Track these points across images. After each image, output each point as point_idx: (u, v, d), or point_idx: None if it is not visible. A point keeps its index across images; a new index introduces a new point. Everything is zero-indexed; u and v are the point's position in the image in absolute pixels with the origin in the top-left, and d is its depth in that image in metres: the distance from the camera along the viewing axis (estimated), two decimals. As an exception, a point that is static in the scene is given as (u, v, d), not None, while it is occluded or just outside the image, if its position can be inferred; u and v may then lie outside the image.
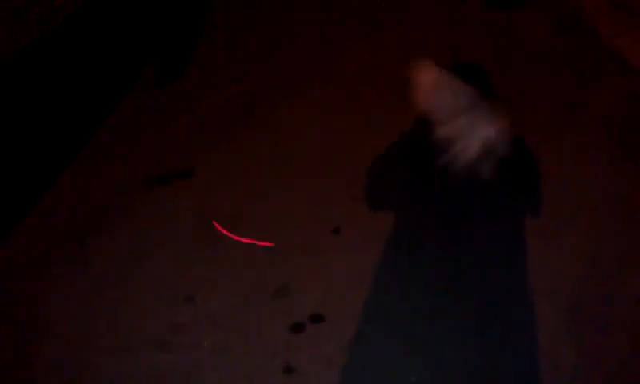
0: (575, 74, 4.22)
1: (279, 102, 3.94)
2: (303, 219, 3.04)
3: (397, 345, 2.41)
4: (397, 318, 2.52)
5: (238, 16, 5.04)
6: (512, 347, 2.40)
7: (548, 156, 2.94)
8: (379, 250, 2.83)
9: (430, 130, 2.98)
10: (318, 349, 2.41)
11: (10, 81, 3.77)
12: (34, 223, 3.06)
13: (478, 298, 2.59)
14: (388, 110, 3.79)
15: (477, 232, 2.78)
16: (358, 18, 4.95)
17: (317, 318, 2.53)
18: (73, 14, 4.53)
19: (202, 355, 2.39)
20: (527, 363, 2.35)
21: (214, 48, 4.51)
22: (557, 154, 3.24)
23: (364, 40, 4.66)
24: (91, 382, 2.39)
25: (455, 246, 2.77)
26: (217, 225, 2.86)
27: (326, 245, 2.89)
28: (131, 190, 3.25)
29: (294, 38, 4.70)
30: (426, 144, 2.88)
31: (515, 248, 2.79)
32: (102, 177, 3.35)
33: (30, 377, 2.43)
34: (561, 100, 3.91)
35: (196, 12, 5.01)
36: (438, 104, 2.87)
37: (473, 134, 2.78)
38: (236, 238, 2.86)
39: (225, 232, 2.85)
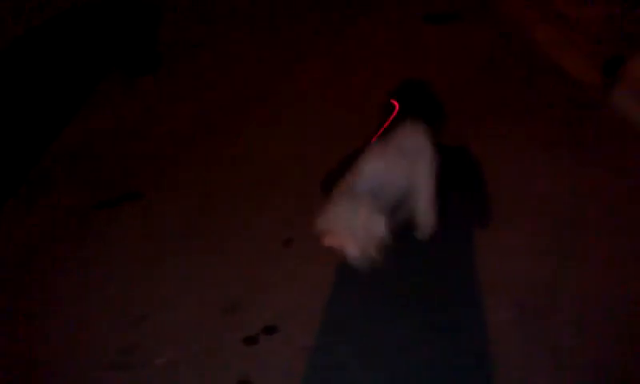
0: (514, 81, 4.38)
1: (226, 121, 3.97)
2: (254, 232, 3.06)
3: (350, 351, 2.43)
4: (349, 325, 2.55)
5: (191, 36, 5.08)
6: (463, 344, 2.45)
7: (490, 159, 3.04)
8: (330, 260, 2.86)
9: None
10: (272, 360, 2.42)
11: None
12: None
13: (428, 300, 2.64)
14: (341, 123, 3.88)
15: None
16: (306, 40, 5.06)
17: (270, 330, 2.54)
18: (15, 41, 4.49)
19: (155, 373, 2.36)
20: (478, 358, 2.40)
21: (164, 70, 4.53)
22: (499, 157, 3.35)
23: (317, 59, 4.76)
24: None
25: (404, 252, 2.81)
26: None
27: (277, 257, 2.92)
28: (79, 215, 3.23)
29: (237, 63, 4.76)
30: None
31: (462, 249, 2.86)
32: (48, 202, 3.32)
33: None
34: (501, 106, 4.06)
35: (144, 34, 5.01)
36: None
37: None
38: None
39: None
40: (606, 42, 4.75)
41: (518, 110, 4.03)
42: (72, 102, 4.14)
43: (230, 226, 3.12)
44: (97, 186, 3.45)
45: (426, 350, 2.43)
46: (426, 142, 2.63)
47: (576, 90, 4.28)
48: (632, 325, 2.53)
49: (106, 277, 2.85)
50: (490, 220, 2.92)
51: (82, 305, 2.70)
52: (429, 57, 4.84)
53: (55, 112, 4.05)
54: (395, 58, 4.83)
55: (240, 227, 3.10)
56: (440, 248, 2.86)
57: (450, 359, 2.40)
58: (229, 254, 2.95)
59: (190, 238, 3.06)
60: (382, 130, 2.81)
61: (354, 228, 2.45)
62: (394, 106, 2.77)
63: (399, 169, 2.62)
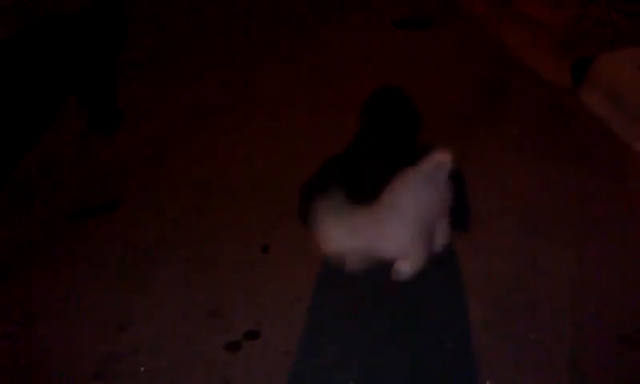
0: (485, 84, 4.46)
1: (203, 127, 3.98)
2: (232, 239, 3.08)
3: (332, 354, 2.45)
4: (330, 328, 2.57)
5: (157, 52, 5.07)
6: (442, 343, 2.49)
7: (463, 162, 3.07)
8: (309, 265, 2.88)
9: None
10: (254, 364, 2.43)
11: None
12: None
13: (407, 300, 2.68)
14: (314, 131, 3.91)
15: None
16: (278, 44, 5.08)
17: (252, 335, 2.55)
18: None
19: (139, 381, 2.36)
20: (456, 357, 2.44)
21: (135, 82, 4.52)
22: (472, 159, 3.40)
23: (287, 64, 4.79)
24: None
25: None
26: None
27: (255, 263, 2.94)
28: (55, 226, 3.21)
29: (213, 69, 4.77)
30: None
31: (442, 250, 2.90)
32: (24, 214, 3.29)
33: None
34: (472, 109, 4.13)
35: (113, 47, 4.99)
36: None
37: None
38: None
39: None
40: (574, 44, 4.86)
41: (489, 112, 4.12)
42: (44, 111, 4.10)
43: (209, 233, 3.13)
44: (71, 196, 3.43)
45: (405, 349, 2.46)
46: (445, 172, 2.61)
47: (546, 91, 4.38)
48: (606, 320, 2.60)
49: (83, 287, 2.83)
50: (468, 224, 2.96)
51: (62, 316, 2.68)
52: (399, 63, 4.90)
53: (28, 122, 4.01)
54: (366, 65, 4.89)
55: (218, 234, 3.11)
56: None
57: (430, 357, 2.44)
58: (208, 260, 2.96)
59: (169, 246, 3.06)
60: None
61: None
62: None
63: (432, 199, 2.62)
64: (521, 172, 3.48)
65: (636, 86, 3.80)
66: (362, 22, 5.84)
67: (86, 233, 3.16)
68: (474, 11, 5.92)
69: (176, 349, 2.50)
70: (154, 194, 3.43)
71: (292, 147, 3.78)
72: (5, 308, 2.73)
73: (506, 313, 2.63)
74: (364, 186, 2.65)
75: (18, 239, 3.12)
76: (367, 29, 5.66)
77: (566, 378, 2.34)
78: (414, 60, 4.94)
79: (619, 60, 4.03)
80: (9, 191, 3.42)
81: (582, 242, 3.00)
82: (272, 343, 2.51)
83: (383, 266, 2.75)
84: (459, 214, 2.73)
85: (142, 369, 2.40)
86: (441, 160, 2.61)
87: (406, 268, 2.61)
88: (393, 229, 2.44)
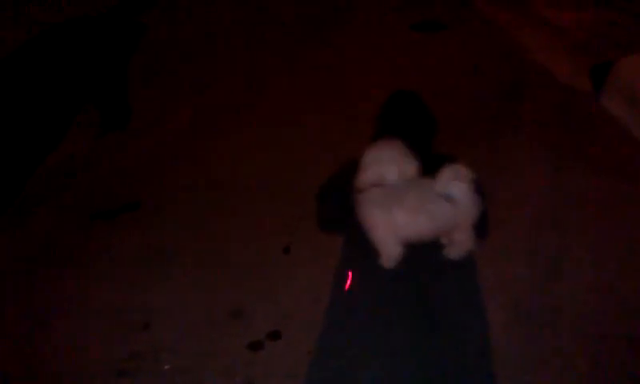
0: (502, 88, 4.45)
1: (220, 129, 4.01)
2: (252, 240, 3.10)
3: (354, 354, 2.47)
4: (352, 328, 2.59)
5: (170, 56, 5.12)
6: (461, 345, 2.50)
7: (481, 165, 3.09)
8: (330, 266, 2.91)
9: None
10: (277, 364, 2.45)
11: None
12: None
13: (427, 302, 2.69)
14: (333, 131, 3.94)
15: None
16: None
17: (274, 335, 2.57)
18: (4, 59, 4.52)
19: (163, 379, 2.39)
20: (477, 359, 2.45)
21: (149, 86, 4.56)
22: (490, 162, 3.41)
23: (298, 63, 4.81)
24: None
25: (404, 255, 2.86)
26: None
27: (277, 264, 2.96)
28: (78, 226, 3.25)
29: (228, 72, 4.81)
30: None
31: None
32: (46, 214, 3.33)
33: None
34: (490, 113, 4.13)
35: (123, 56, 5.06)
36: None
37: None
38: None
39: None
40: (592, 47, 4.85)
41: (507, 116, 4.11)
42: (64, 117, 4.17)
43: (229, 234, 3.16)
44: (94, 197, 3.47)
45: (425, 350, 2.47)
46: (466, 187, 2.66)
47: (564, 94, 4.37)
48: (626, 323, 2.59)
49: (107, 286, 2.86)
50: (486, 228, 2.97)
51: (86, 315, 2.72)
52: (416, 65, 4.91)
53: (50, 123, 4.08)
54: (383, 68, 4.90)
55: (239, 236, 3.14)
56: (437, 251, 2.91)
57: (450, 359, 2.45)
58: (230, 261, 2.98)
59: (190, 246, 3.09)
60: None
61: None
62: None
63: (442, 220, 2.70)
64: (539, 175, 3.48)
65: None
66: (378, 24, 5.86)
67: (109, 233, 3.19)
68: (490, 14, 5.91)
69: (199, 348, 2.53)
70: (173, 195, 3.47)
71: (308, 151, 3.81)
72: (29, 306, 2.78)
73: (525, 316, 2.63)
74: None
75: (42, 238, 3.16)
76: (383, 31, 5.68)
77: (590, 383, 2.34)
78: (430, 63, 4.95)
79: (640, 64, 4.02)
80: (32, 191, 3.48)
81: (601, 245, 2.99)
82: (293, 343, 2.53)
83: (403, 267, 2.79)
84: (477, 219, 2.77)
85: (166, 367, 2.43)
86: (459, 175, 2.65)
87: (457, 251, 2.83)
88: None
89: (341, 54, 5.20)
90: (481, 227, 2.83)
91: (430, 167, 2.72)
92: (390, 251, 2.77)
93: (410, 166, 2.67)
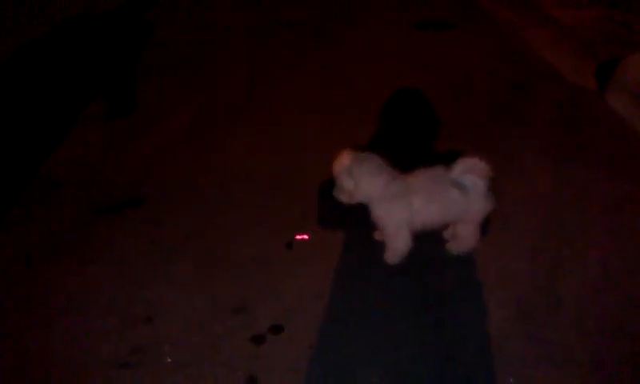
0: (509, 85, 4.45)
1: (224, 126, 4.02)
2: (256, 235, 3.11)
3: (356, 349, 2.47)
4: (353, 323, 2.59)
5: (180, 55, 5.13)
6: (462, 340, 2.50)
7: (492, 161, 3.09)
8: (332, 260, 2.92)
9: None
10: (279, 358, 2.45)
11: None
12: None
13: (430, 298, 2.69)
14: (338, 130, 3.95)
15: (426, 236, 2.87)
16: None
17: (277, 329, 2.58)
18: (18, 49, 4.55)
19: (165, 372, 2.39)
20: (478, 354, 2.44)
21: (155, 83, 4.58)
22: (496, 159, 3.40)
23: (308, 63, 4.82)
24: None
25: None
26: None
27: (280, 259, 2.96)
28: (83, 221, 3.26)
29: (234, 71, 4.82)
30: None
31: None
32: (51, 208, 3.35)
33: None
34: (497, 110, 4.12)
35: (131, 53, 5.08)
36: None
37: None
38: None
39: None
40: (598, 45, 4.83)
41: (514, 113, 4.11)
42: (68, 113, 4.19)
43: (233, 229, 3.17)
44: (98, 193, 3.48)
45: (427, 345, 2.47)
46: (481, 182, 2.67)
47: (571, 93, 4.36)
48: (627, 320, 2.59)
49: (110, 280, 2.87)
50: (488, 223, 2.97)
51: (88, 307, 2.73)
52: (420, 64, 4.91)
53: (53, 122, 4.10)
54: (389, 66, 4.90)
55: (242, 231, 3.15)
56: (439, 247, 2.91)
57: (451, 355, 2.44)
58: (233, 256, 2.99)
59: (193, 241, 3.10)
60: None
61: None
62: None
63: (449, 207, 2.71)
64: (544, 173, 3.47)
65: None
66: (382, 23, 5.85)
67: (113, 228, 3.21)
68: (495, 13, 5.91)
69: (201, 341, 2.53)
70: (177, 191, 3.48)
71: (311, 148, 3.82)
72: (34, 300, 2.79)
73: (527, 312, 2.62)
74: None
75: (48, 233, 3.18)
76: (387, 30, 5.68)
77: (590, 379, 2.33)
78: (435, 61, 4.95)
79: (646, 62, 4.00)
80: (38, 186, 3.50)
81: (606, 244, 2.98)
82: (296, 338, 2.53)
83: (405, 262, 2.79)
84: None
85: (169, 360, 2.44)
86: (476, 169, 2.66)
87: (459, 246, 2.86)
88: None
89: (344, 52, 5.21)
90: (484, 223, 2.83)
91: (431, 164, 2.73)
92: (400, 246, 2.77)
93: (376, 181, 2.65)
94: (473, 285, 2.77)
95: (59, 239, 3.13)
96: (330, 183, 2.73)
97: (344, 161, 2.64)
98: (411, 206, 2.64)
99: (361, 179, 2.61)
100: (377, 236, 2.94)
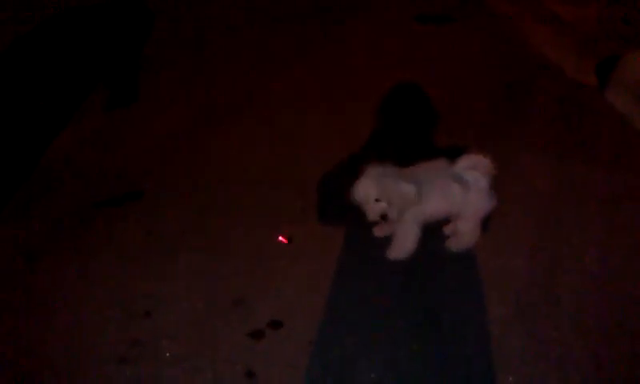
0: (509, 82, 4.44)
1: (223, 120, 4.01)
2: (255, 229, 3.10)
3: (354, 344, 2.47)
4: (353, 318, 2.59)
5: (180, 47, 5.11)
6: (461, 336, 2.50)
7: (489, 156, 3.08)
8: (331, 256, 2.91)
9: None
10: (278, 353, 2.45)
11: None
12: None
13: (429, 293, 2.69)
14: (336, 125, 3.93)
15: (425, 231, 2.87)
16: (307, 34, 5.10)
17: (276, 324, 2.57)
18: (18, 39, 4.52)
19: (164, 366, 2.39)
20: (478, 352, 2.44)
21: (154, 77, 4.57)
22: (495, 156, 3.40)
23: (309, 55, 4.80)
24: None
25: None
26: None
27: (279, 254, 2.95)
28: (81, 215, 3.25)
29: (234, 65, 4.81)
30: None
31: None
32: (49, 202, 3.33)
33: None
34: (496, 106, 4.11)
35: (133, 44, 5.06)
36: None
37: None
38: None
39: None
40: (599, 42, 4.82)
41: (513, 109, 4.10)
42: (66, 106, 4.18)
43: (232, 223, 3.16)
44: (97, 186, 3.47)
45: (426, 341, 2.47)
46: (483, 179, 2.68)
47: (571, 89, 4.35)
48: (626, 317, 2.59)
49: (109, 274, 2.87)
50: (488, 221, 2.97)
51: (87, 301, 2.72)
52: (420, 58, 4.89)
53: (51, 114, 4.08)
54: (388, 59, 4.88)
55: (242, 225, 3.14)
56: (438, 243, 2.91)
57: (450, 350, 2.45)
58: (232, 250, 2.98)
59: (193, 235, 3.09)
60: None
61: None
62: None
63: (450, 200, 2.71)
64: (544, 170, 3.47)
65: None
66: (383, 17, 5.83)
67: (112, 221, 3.20)
68: (496, 9, 5.89)
69: (200, 335, 2.53)
70: (176, 185, 3.47)
71: (310, 143, 3.81)
72: (33, 294, 2.78)
73: (526, 309, 2.62)
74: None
75: (46, 227, 3.17)
76: (388, 24, 5.65)
77: (590, 376, 2.33)
78: (434, 56, 4.93)
79: (646, 59, 4.00)
80: (37, 181, 3.48)
81: (606, 241, 2.98)
82: (295, 333, 2.53)
83: (406, 261, 2.79)
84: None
85: (167, 354, 2.44)
86: (480, 165, 2.67)
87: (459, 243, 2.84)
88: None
89: (343, 47, 5.18)
90: (484, 221, 2.83)
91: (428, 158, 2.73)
92: (409, 244, 2.77)
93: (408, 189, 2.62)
94: (472, 282, 2.77)
95: (58, 233, 3.12)
96: (329, 176, 2.73)
97: (368, 189, 2.60)
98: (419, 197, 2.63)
99: (393, 198, 2.58)
100: (377, 232, 2.94)
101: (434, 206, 2.69)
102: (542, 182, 3.36)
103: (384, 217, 2.58)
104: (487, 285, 2.75)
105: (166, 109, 4.23)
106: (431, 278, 2.78)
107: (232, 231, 3.09)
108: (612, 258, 2.88)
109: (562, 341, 2.48)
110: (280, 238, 2.92)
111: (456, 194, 2.65)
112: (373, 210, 2.60)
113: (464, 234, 2.81)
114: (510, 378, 2.34)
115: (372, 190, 2.57)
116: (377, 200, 2.57)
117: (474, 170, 2.65)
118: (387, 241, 2.85)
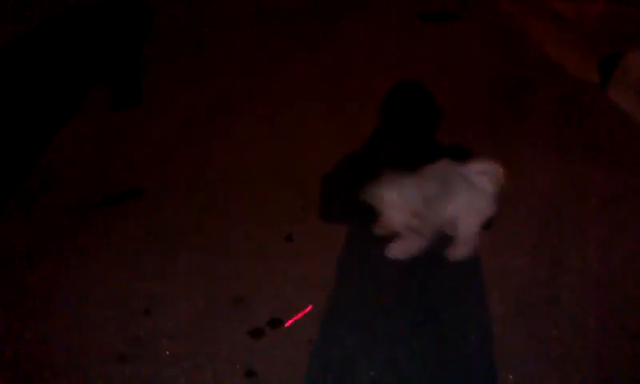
0: (510, 80, 4.42)
1: (224, 120, 4.00)
2: (255, 227, 3.10)
3: (354, 343, 2.47)
4: (353, 317, 2.59)
5: (181, 43, 5.10)
6: (462, 335, 2.50)
7: (492, 156, 3.06)
8: (332, 255, 2.91)
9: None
10: (278, 352, 2.45)
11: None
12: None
13: (430, 292, 2.69)
14: (337, 122, 3.92)
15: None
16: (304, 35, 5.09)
17: (275, 322, 2.57)
18: (19, 37, 4.52)
19: (163, 365, 2.40)
20: (478, 351, 2.44)
21: (154, 77, 4.56)
22: (496, 154, 3.38)
23: (310, 57, 4.79)
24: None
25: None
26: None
27: (279, 252, 2.95)
28: (80, 214, 3.24)
29: (234, 63, 4.80)
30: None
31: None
32: (49, 200, 3.33)
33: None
34: (498, 105, 4.10)
35: (134, 41, 5.05)
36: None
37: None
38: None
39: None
40: (601, 39, 4.80)
41: (515, 107, 4.08)
42: (66, 105, 4.17)
43: (232, 222, 3.15)
44: (97, 185, 3.46)
45: (426, 340, 2.47)
46: (492, 187, 2.67)
47: (572, 87, 4.33)
48: (627, 316, 2.59)
49: (108, 272, 2.87)
50: (490, 219, 2.96)
51: (87, 301, 2.72)
52: (424, 56, 4.88)
53: (51, 113, 4.08)
54: (386, 58, 4.86)
55: (242, 223, 3.14)
56: (439, 242, 2.90)
57: (450, 349, 2.44)
58: (231, 248, 2.98)
59: (192, 234, 3.08)
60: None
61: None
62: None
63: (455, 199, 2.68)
64: (546, 168, 3.45)
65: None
66: (384, 14, 5.80)
67: (111, 220, 3.19)
68: (498, 6, 5.86)
69: (199, 334, 2.53)
70: (175, 183, 3.46)
71: (310, 140, 3.79)
72: (32, 293, 2.78)
73: (527, 308, 2.62)
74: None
75: (45, 227, 3.16)
76: (386, 21, 5.63)
77: (590, 376, 2.33)
78: (436, 54, 4.91)
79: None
80: (36, 180, 3.48)
81: (607, 240, 2.97)
82: (295, 331, 2.54)
83: (406, 260, 2.79)
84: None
85: (167, 353, 2.44)
86: (491, 172, 2.66)
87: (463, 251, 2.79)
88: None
89: (344, 44, 5.16)
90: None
91: (431, 158, 2.72)
92: (412, 249, 2.77)
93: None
94: (472, 282, 2.76)
95: (57, 232, 3.11)
96: (329, 177, 2.72)
97: (392, 198, 2.58)
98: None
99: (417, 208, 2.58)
100: (377, 228, 2.92)
101: (440, 205, 2.67)
102: (543, 181, 3.35)
103: (407, 228, 2.57)
104: (488, 284, 2.74)
105: (166, 109, 4.22)
106: (431, 278, 2.77)
107: (232, 231, 3.08)
108: (613, 257, 2.87)
109: (561, 340, 2.48)
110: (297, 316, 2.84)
111: (460, 194, 2.63)
112: (396, 220, 2.60)
113: (464, 240, 2.79)
114: (511, 377, 2.34)
115: (395, 197, 2.55)
116: (397, 208, 2.56)
117: (485, 175, 2.64)
118: (387, 240, 2.84)
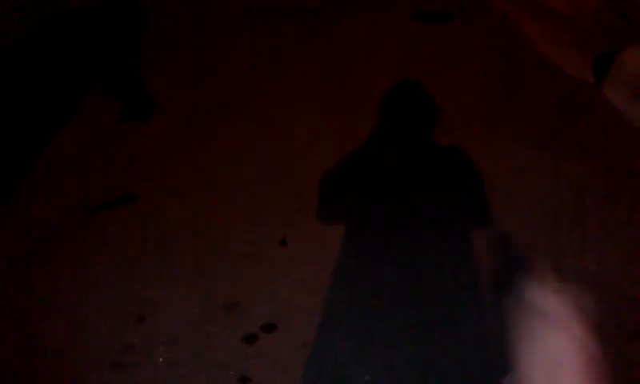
0: (505, 78, 4.41)
1: (223, 120, 3.99)
2: (249, 231, 3.08)
3: (349, 347, 2.46)
4: (348, 321, 2.58)
5: (177, 46, 5.10)
6: (458, 337, 2.48)
7: (483, 156, 3.06)
8: (327, 258, 2.89)
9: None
10: (272, 357, 2.44)
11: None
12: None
13: (425, 295, 2.67)
14: (334, 124, 3.90)
15: (423, 232, 2.85)
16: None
17: (269, 327, 2.56)
18: (16, 40, 4.50)
19: (157, 372, 2.38)
20: (476, 354, 2.42)
21: (154, 77, 4.55)
22: (491, 153, 3.40)
23: (308, 57, 4.79)
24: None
25: (401, 247, 2.85)
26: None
27: (273, 256, 2.94)
28: (74, 217, 3.23)
29: (230, 64, 4.79)
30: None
31: (457, 245, 2.89)
32: (43, 205, 3.32)
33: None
34: (492, 103, 4.09)
35: (129, 44, 5.04)
36: None
37: None
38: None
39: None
40: (597, 38, 4.79)
41: (510, 107, 4.07)
42: (66, 105, 4.15)
43: (226, 226, 3.14)
44: (91, 189, 3.44)
45: (422, 342, 2.46)
46: None
47: (568, 86, 4.32)
48: (624, 316, 2.57)
49: (103, 278, 2.85)
50: (485, 218, 2.95)
51: (81, 306, 2.70)
52: (418, 56, 4.87)
53: (47, 116, 4.06)
54: (385, 58, 4.85)
55: (236, 227, 3.13)
56: (435, 244, 2.89)
57: (447, 351, 2.43)
58: (226, 253, 2.96)
59: (187, 238, 3.07)
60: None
61: None
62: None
63: None
64: (540, 167, 3.44)
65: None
66: (379, 14, 5.79)
67: (106, 225, 3.17)
68: (494, 5, 5.85)
69: (194, 340, 2.52)
70: (171, 187, 3.44)
71: (307, 143, 3.77)
72: (26, 298, 2.76)
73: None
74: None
75: (39, 231, 3.14)
76: (385, 21, 5.61)
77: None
78: (432, 54, 4.90)
79: (644, 55, 3.97)
80: (31, 184, 3.46)
81: (603, 241, 2.96)
82: (289, 336, 2.52)
83: (398, 259, 2.77)
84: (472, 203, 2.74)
85: (161, 359, 2.42)
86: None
87: None
88: None
89: (343, 45, 5.15)
90: (480, 218, 2.81)
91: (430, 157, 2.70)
92: None
93: None
94: (470, 280, 2.75)
95: (51, 237, 3.10)
96: (328, 178, 2.71)
97: None
98: None
99: None
100: None
101: None
102: (540, 181, 3.34)
103: None
104: (483, 284, 2.72)
105: (166, 109, 4.20)
106: (428, 279, 2.76)
107: (226, 234, 3.07)
108: (610, 258, 2.85)
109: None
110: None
111: None
112: None
113: None
114: (510, 379, 2.32)
115: None
116: None
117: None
118: (385, 242, 2.83)
